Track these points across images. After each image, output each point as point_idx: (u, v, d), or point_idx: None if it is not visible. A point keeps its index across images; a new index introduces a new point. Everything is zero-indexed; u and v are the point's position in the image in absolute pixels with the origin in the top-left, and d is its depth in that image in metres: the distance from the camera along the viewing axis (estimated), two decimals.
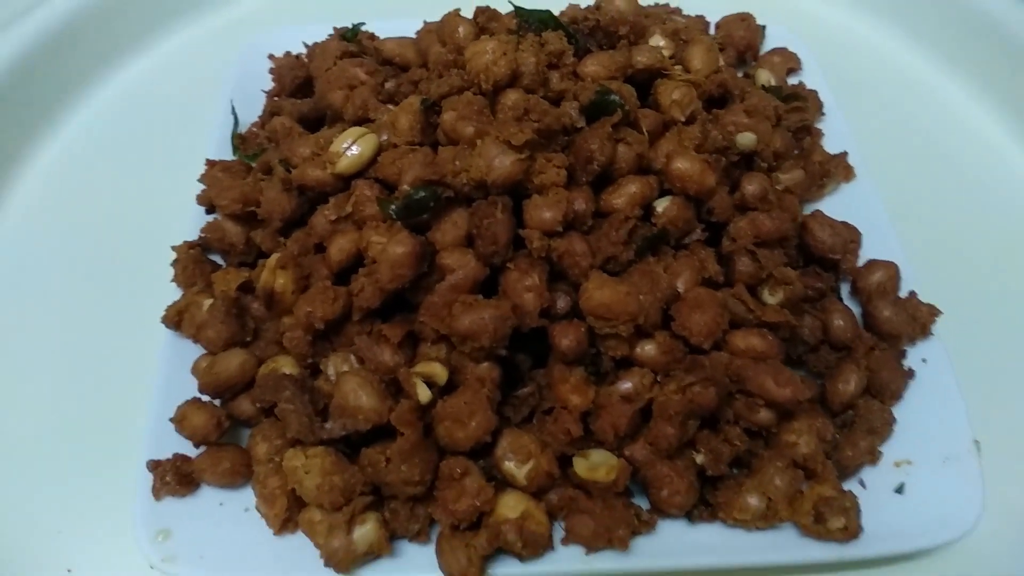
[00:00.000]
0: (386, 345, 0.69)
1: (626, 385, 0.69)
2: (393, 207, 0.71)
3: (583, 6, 0.92)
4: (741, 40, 1.02)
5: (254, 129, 0.96)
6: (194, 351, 0.78)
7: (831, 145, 0.94)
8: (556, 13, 0.84)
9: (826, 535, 0.67)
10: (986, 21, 1.10)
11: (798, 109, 0.94)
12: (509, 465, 0.67)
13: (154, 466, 0.71)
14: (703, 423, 0.69)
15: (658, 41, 0.87)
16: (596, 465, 0.67)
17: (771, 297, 0.74)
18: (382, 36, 0.98)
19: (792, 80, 1.02)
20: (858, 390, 0.74)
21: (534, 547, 0.65)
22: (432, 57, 0.86)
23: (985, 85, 1.11)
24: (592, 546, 0.66)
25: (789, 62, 1.02)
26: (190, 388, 0.74)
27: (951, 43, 1.14)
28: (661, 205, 0.75)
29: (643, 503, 0.70)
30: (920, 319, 0.79)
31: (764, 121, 0.80)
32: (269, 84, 1.00)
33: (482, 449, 0.67)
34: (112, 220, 0.98)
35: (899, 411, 0.75)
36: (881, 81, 1.13)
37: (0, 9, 1.11)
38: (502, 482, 0.68)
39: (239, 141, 0.95)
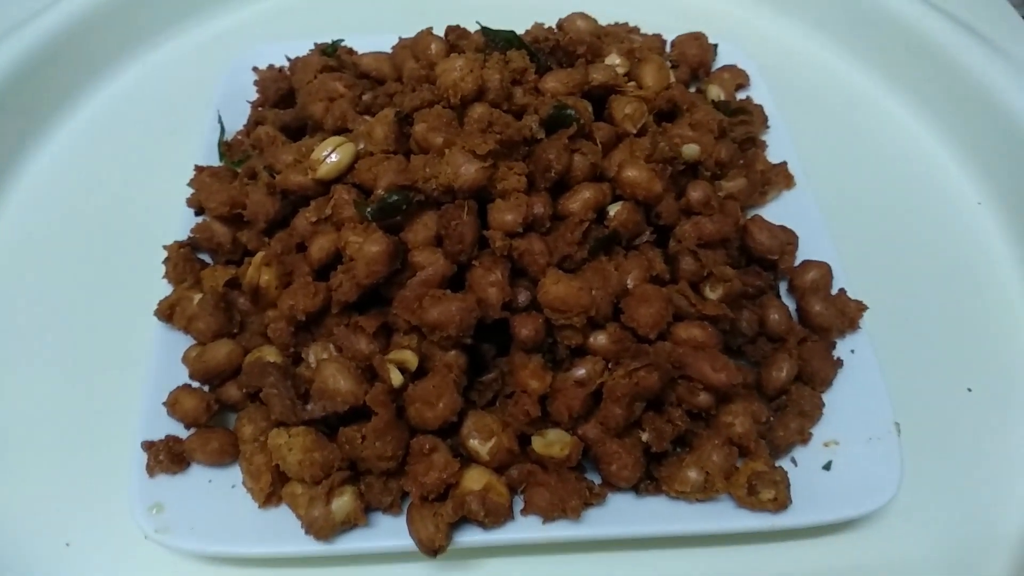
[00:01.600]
0: (362, 335, 0.75)
1: (580, 371, 0.74)
2: (369, 209, 0.76)
3: (547, 25, 0.99)
4: (694, 58, 1.09)
5: (239, 137, 1.00)
6: (184, 342, 0.83)
7: (774, 155, 1.00)
8: (520, 33, 0.90)
9: (759, 506, 0.73)
10: (922, 41, 1.18)
11: (744, 122, 1.01)
12: (473, 443, 0.73)
13: (148, 446, 0.76)
14: (648, 405, 0.75)
15: (614, 60, 0.93)
16: (552, 443, 0.73)
17: (712, 293, 0.80)
18: (360, 51, 1.03)
19: (740, 95, 1.08)
20: (790, 377, 0.80)
21: (496, 516, 0.71)
22: (406, 72, 0.91)
23: (918, 99, 1.18)
24: (548, 516, 0.72)
25: (738, 78, 1.09)
26: (181, 375, 0.80)
27: (889, 61, 1.22)
28: (613, 209, 0.80)
29: (595, 478, 0.75)
30: (849, 314, 0.85)
31: (708, 134, 0.87)
32: (253, 95, 1.04)
33: (449, 428, 0.73)
34: (106, 221, 1.03)
35: (828, 397, 0.81)
36: (823, 95, 1.20)
37: None
38: (467, 458, 0.73)
39: (225, 148, 0.99)
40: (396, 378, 0.71)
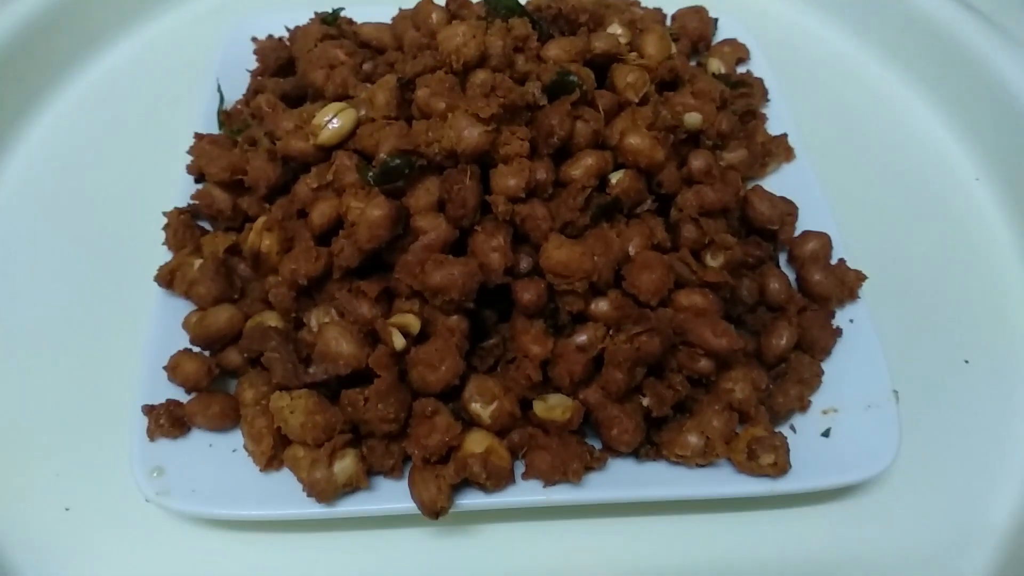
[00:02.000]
0: (364, 299, 0.75)
1: (581, 337, 0.74)
2: (371, 174, 0.76)
3: None
4: (695, 31, 1.09)
5: (238, 106, 1.00)
6: (184, 307, 0.83)
7: (774, 128, 1.01)
8: (522, 1, 0.90)
9: (758, 470, 0.74)
10: (920, 16, 1.18)
11: (744, 95, 1.01)
12: (475, 406, 0.73)
13: (149, 410, 0.76)
14: (649, 370, 0.75)
15: (616, 29, 0.93)
16: (553, 407, 0.73)
17: (712, 261, 0.81)
18: (360, 20, 1.03)
19: (741, 69, 1.09)
20: (790, 345, 0.81)
21: (497, 479, 0.71)
22: (407, 41, 0.91)
23: (916, 74, 1.19)
24: (549, 479, 0.73)
25: (738, 52, 1.09)
26: (181, 340, 0.80)
27: (887, 36, 1.22)
28: (615, 177, 0.80)
29: (595, 443, 0.76)
30: (848, 283, 0.86)
31: (709, 103, 0.87)
32: (252, 65, 1.04)
33: (451, 392, 0.73)
34: (106, 189, 1.02)
35: (827, 365, 0.82)
36: (822, 70, 1.21)
37: None
38: (469, 422, 0.74)
39: (224, 117, 0.99)
40: (398, 341, 0.72)
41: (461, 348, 0.73)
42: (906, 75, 1.20)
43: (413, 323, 0.73)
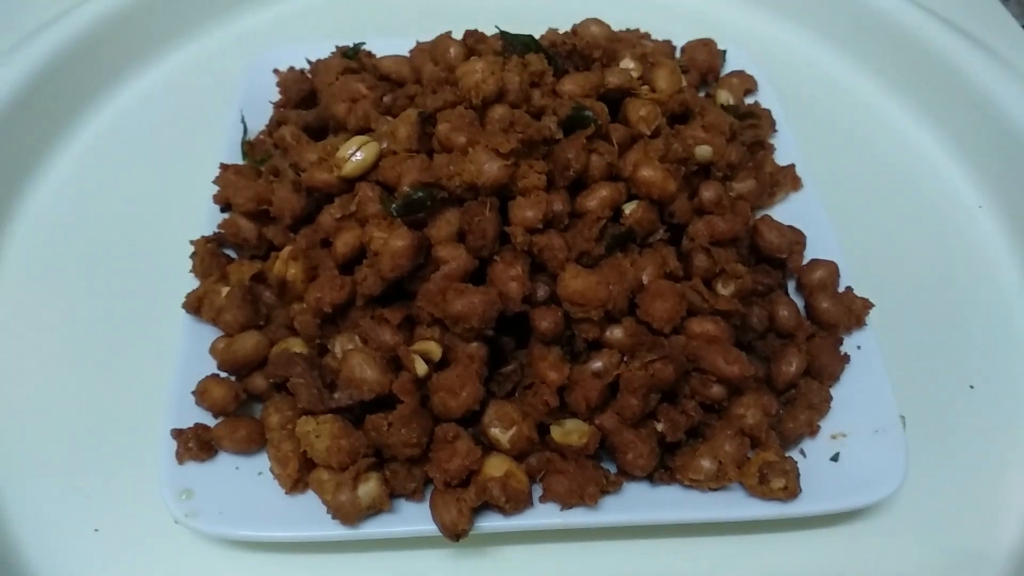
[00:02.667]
0: (387, 327, 0.77)
1: (597, 363, 0.77)
2: (394, 206, 0.78)
3: (561, 31, 1.02)
4: (703, 63, 1.11)
5: (261, 137, 1.02)
6: (211, 334, 0.85)
7: (781, 158, 1.03)
8: (537, 37, 0.93)
9: (769, 494, 0.76)
10: (924, 48, 1.20)
11: (753, 126, 1.03)
12: (495, 431, 0.75)
13: (177, 434, 0.78)
14: (663, 397, 0.77)
15: (628, 64, 0.95)
16: (570, 432, 0.75)
17: (724, 289, 0.83)
18: (378, 54, 1.05)
19: (749, 99, 1.11)
20: (799, 371, 0.83)
21: (516, 502, 0.73)
22: (426, 75, 0.94)
23: (921, 104, 1.21)
24: (566, 503, 0.74)
25: (746, 83, 1.11)
26: (208, 366, 0.82)
27: (892, 67, 1.24)
28: (628, 208, 0.83)
29: (611, 466, 0.78)
30: (855, 311, 0.88)
31: (719, 136, 0.90)
32: (275, 96, 1.07)
33: (471, 417, 0.75)
34: (134, 218, 1.05)
35: (836, 391, 0.84)
36: (828, 101, 1.23)
37: (25, 20, 1.18)
38: (488, 446, 0.75)
39: (248, 148, 1.01)
40: (421, 368, 0.74)
41: (481, 374, 0.75)
42: (910, 105, 1.22)
43: (435, 350, 0.75)
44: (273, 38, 1.24)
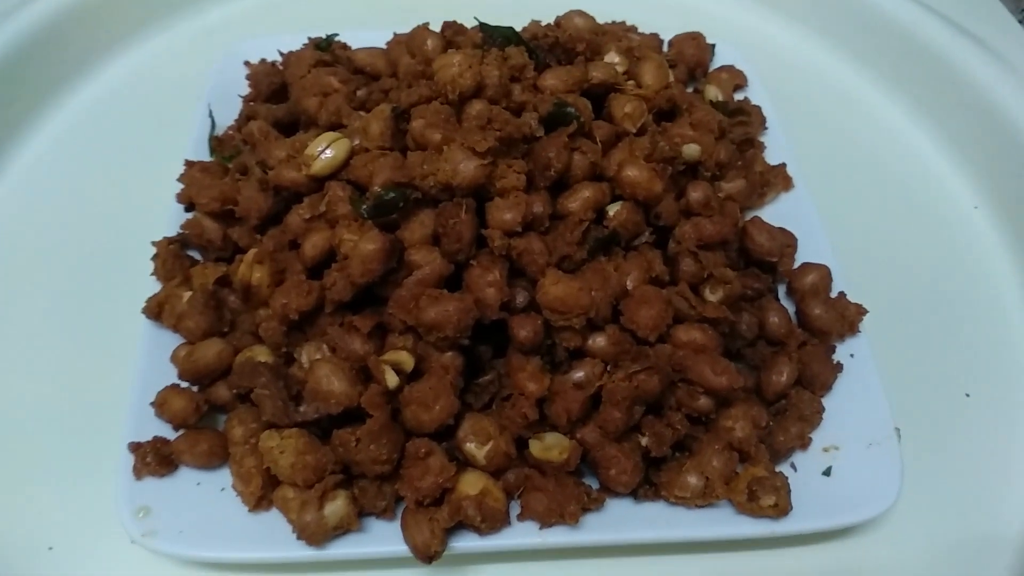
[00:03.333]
0: (356, 335, 0.73)
1: (578, 374, 0.73)
2: (365, 207, 0.75)
3: (544, 23, 0.98)
4: (692, 57, 1.08)
5: (230, 132, 0.98)
6: (173, 341, 0.81)
7: (772, 156, 0.99)
8: (518, 29, 0.89)
9: (759, 512, 0.72)
10: (919, 45, 1.17)
11: (742, 123, 1.00)
12: (470, 446, 0.71)
13: (135, 447, 0.74)
14: (648, 409, 0.74)
15: (613, 58, 0.92)
16: (550, 446, 0.72)
17: (712, 295, 0.80)
18: (354, 46, 1.01)
19: (738, 96, 1.07)
20: (790, 381, 0.80)
21: (492, 522, 0.70)
22: (402, 68, 0.90)
23: (914, 101, 1.17)
24: (545, 521, 0.71)
25: (736, 79, 1.08)
26: (169, 375, 0.78)
27: (885, 63, 1.21)
28: (612, 209, 0.79)
29: (593, 482, 0.74)
30: (849, 317, 0.85)
31: (708, 134, 0.86)
32: (245, 90, 1.03)
33: (445, 431, 0.71)
34: (94, 217, 1.00)
35: (828, 401, 0.81)
36: (820, 97, 1.20)
37: None
38: (463, 462, 0.72)
39: (216, 143, 0.97)
40: (391, 379, 0.70)
41: (455, 386, 0.72)
42: (904, 102, 1.19)
43: (407, 360, 0.71)
44: (245, 30, 1.20)
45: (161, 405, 0.76)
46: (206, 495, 0.74)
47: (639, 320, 0.74)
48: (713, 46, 1.12)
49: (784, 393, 0.80)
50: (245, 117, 0.99)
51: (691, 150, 0.84)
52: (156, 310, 0.82)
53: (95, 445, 0.80)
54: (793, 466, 0.78)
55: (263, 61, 1.05)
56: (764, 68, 1.12)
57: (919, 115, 1.17)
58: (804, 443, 0.78)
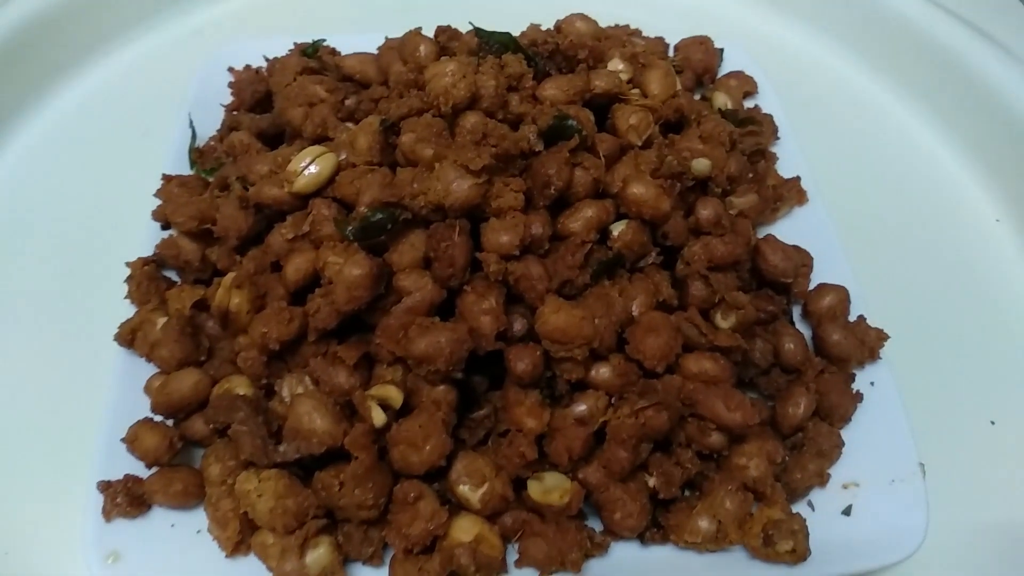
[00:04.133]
0: (341, 367, 0.69)
1: (580, 408, 0.69)
2: (350, 228, 0.70)
3: (543, 27, 0.93)
4: (699, 63, 1.03)
5: (212, 143, 0.94)
6: (147, 370, 0.76)
7: (784, 168, 0.94)
8: (516, 34, 0.84)
9: (775, 557, 0.68)
10: (935, 47, 1.12)
11: (753, 133, 0.95)
12: (463, 489, 0.66)
13: (104, 487, 0.70)
14: (656, 446, 0.69)
15: (617, 65, 0.86)
16: (550, 488, 0.67)
17: (723, 321, 0.75)
18: (343, 51, 0.97)
19: (748, 103, 1.02)
20: (807, 413, 0.75)
21: (488, 571, 0.65)
22: (393, 76, 0.85)
23: (933, 109, 1.12)
24: (546, 569, 0.67)
25: (745, 85, 1.03)
26: (143, 407, 0.73)
27: (902, 68, 1.16)
28: (617, 229, 0.74)
29: (596, 525, 0.70)
30: (869, 343, 0.80)
31: (719, 147, 0.81)
32: (228, 98, 0.98)
33: (436, 472, 0.67)
34: (66, 234, 0.96)
35: (847, 433, 0.76)
36: (834, 104, 1.14)
37: None
38: (456, 505, 0.67)
39: (197, 155, 0.92)
40: (378, 417, 0.65)
41: (448, 423, 0.67)
42: (922, 110, 1.13)
43: (395, 396, 0.67)
44: (231, 34, 1.14)
45: (132, 441, 0.71)
46: (180, 538, 0.70)
47: (646, 349, 0.70)
48: (721, 50, 1.07)
49: (801, 426, 0.75)
50: (228, 127, 0.94)
51: (701, 165, 0.79)
52: (129, 337, 0.77)
53: (62, 484, 0.74)
54: (810, 505, 0.74)
55: (248, 67, 1.01)
56: (775, 73, 1.06)
57: (936, 121, 1.12)
58: (823, 480, 0.74)
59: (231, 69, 1.01)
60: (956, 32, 1.11)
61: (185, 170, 0.91)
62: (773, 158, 0.96)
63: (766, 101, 1.03)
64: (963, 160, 1.08)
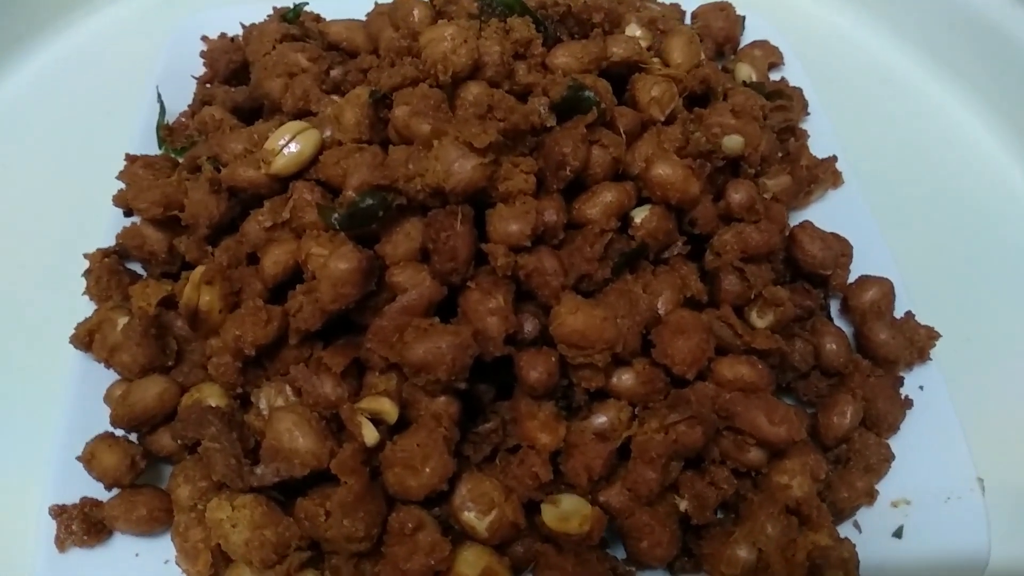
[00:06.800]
0: (327, 375, 0.62)
1: (601, 419, 0.62)
2: (336, 215, 0.63)
3: None
4: (720, 31, 0.96)
5: (183, 119, 0.89)
6: (107, 376, 0.69)
7: (816, 147, 0.87)
8: None
9: None
10: (973, 18, 1.04)
11: (782, 108, 0.87)
12: (469, 516, 0.59)
13: (58, 512, 0.64)
14: (686, 463, 0.62)
15: (634, 31, 0.80)
16: (567, 514, 0.60)
17: (760, 320, 0.68)
18: (328, 16, 0.90)
19: (774, 76, 0.95)
20: (855, 423, 0.68)
21: None
22: (383, 43, 0.78)
23: (973, 85, 1.05)
24: None
25: (770, 56, 0.95)
26: (102, 420, 0.66)
27: (935, 38, 1.08)
28: (639, 216, 0.68)
29: (619, 553, 0.63)
30: (918, 343, 0.73)
31: (752, 123, 0.73)
32: (201, 70, 0.91)
33: (437, 497, 0.59)
34: (19, 222, 0.89)
35: (895, 444, 0.70)
36: (865, 79, 1.07)
37: None
38: (460, 535, 0.60)
39: (166, 133, 0.87)
40: (370, 435, 0.58)
41: (450, 441, 0.60)
42: (962, 85, 1.06)
43: (389, 410, 0.59)
44: (203, 2, 1.06)
45: (89, 460, 0.64)
46: (146, 570, 0.64)
47: (675, 353, 0.63)
48: (743, 18, 0.99)
49: (846, 437, 0.68)
50: (200, 102, 0.88)
51: (733, 142, 0.71)
52: (86, 339, 0.70)
53: (11, 509, 0.68)
54: (857, 525, 0.67)
55: (223, 35, 0.94)
56: (801, 44, 0.99)
57: (977, 98, 1.04)
58: (871, 499, 0.67)
59: (204, 38, 0.95)
60: (993, 3, 1.03)
61: (153, 149, 0.85)
62: (804, 135, 0.88)
63: (792, 73, 0.96)
64: (1007, 142, 1.01)
